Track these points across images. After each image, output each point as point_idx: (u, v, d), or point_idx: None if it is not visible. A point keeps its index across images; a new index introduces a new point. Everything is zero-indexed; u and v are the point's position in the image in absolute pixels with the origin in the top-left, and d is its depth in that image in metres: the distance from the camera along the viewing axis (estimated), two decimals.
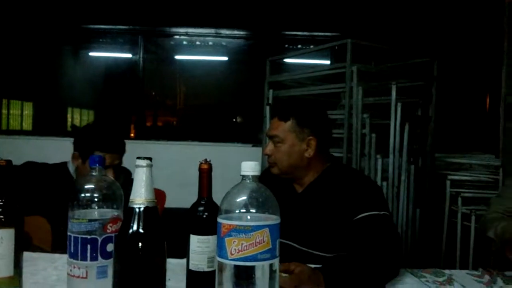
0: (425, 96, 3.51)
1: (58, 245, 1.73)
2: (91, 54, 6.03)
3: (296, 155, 1.57)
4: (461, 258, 3.29)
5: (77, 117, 6.90)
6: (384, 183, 3.07)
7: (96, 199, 1.01)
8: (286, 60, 4.95)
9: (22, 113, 6.31)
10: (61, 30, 5.28)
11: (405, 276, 1.36)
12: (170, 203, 2.50)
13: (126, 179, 1.88)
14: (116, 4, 4.87)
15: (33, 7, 4.86)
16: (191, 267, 1.11)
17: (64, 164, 1.92)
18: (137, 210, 0.86)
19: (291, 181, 1.64)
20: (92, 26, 5.23)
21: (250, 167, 0.91)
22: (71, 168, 1.91)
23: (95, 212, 1.00)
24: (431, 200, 3.40)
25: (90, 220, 0.98)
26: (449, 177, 3.52)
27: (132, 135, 5.49)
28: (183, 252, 1.16)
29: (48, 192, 1.82)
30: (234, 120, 6.18)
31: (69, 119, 6.70)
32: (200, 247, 1.09)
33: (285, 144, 1.57)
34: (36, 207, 1.69)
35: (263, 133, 4.07)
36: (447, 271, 1.38)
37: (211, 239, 1.08)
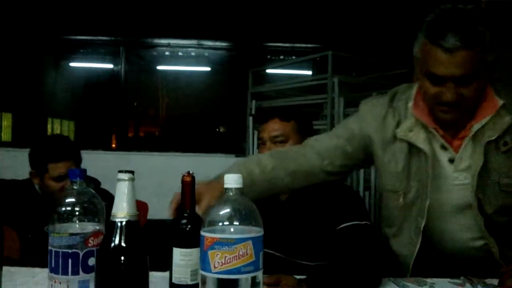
0: None
1: (26, 253, 1.73)
2: (72, 64, 5.99)
3: None
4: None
5: (58, 127, 6.81)
6: (367, 193, 3.10)
7: (77, 213, 0.99)
8: (268, 71, 4.99)
9: (1, 124, 6.22)
10: (42, 40, 5.24)
11: (387, 285, 1.37)
12: (152, 214, 2.49)
13: (95, 190, 1.87)
14: (97, 15, 4.85)
15: (13, 17, 4.81)
16: (174, 281, 1.10)
17: (29, 180, 1.92)
18: (119, 224, 0.86)
19: None
20: (73, 37, 5.20)
21: (233, 180, 0.91)
22: (38, 184, 1.91)
23: (76, 226, 0.99)
24: None
25: (71, 234, 0.97)
26: None
27: (113, 145, 5.45)
28: (165, 265, 1.15)
29: (14, 206, 1.81)
30: (217, 130, 6.19)
31: (49, 130, 6.62)
32: (183, 260, 1.08)
33: (289, 143, 1.58)
34: (2, 220, 1.69)
35: (246, 143, 4.08)
36: (428, 280, 1.40)
37: (195, 252, 1.08)
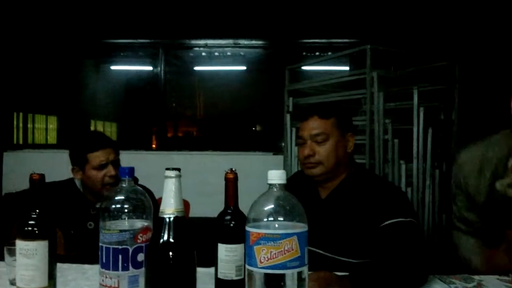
0: (447, 100, 3.47)
1: (70, 248, 1.80)
2: (112, 67, 6.13)
3: (341, 150, 1.59)
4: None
5: (100, 129, 7.01)
6: (409, 189, 3.04)
7: (126, 210, 1.02)
8: (305, 67, 4.96)
9: (47, 127, 6.45)
10: (83, 45, 5.39)
11: (434, 283, 1.34)
12: (193, 212, 2.53)
13: None
14: (136, 18, 4.96)
15: (55, 23, 4.98)
16: (219, 276, 1.12)
17: (71, 180, 1.98)
18: (167, 220, 0.88)
19: (316, 186, 1.64)
20: (113, 41, 5.32)
21: (277, 176, 0.92)
22: (78, 182, 1.97)
23: (126, 223, 1.02)
24: None
25: (121, 231, 1.00)
26: None
27: (153, 146, 5.56)
28: (209, 261, 1.17)
29: (57, 206, 1.87)
30: (254, 129, 6.21)
31: None
32: (228, 255, 1.10)
33: (330, 141, 1.58)
34: (55, 221, 1.76)
35: (283, 141, 4.08)
36: (476, 277, 1.36)
37: (239, 248, 1.10)
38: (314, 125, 1.60)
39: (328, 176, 1.61)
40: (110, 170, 1.85)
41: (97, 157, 1.84)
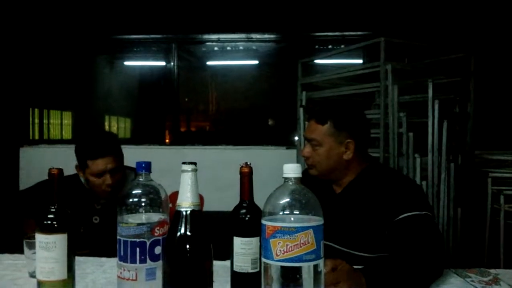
0: (463, 92, 3.43)
1: (78, 246, 1.82)
2: (126, 63, 6.16)
3: (335, 158, 1.57)
4: (505, 257, 3.20)
5: (114, 124, 7.09)
6: (424, 182, 3.01)
7: (143, 204, 1.04)
8: (318, 61, 4.93)
9: (62, 123, 6.53)
10: (96, 41, 5.43)
11: (450, 276, 1.34)
12: (208, 206, 2.55)
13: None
14: (148, 13, 4.97)
15: (68, 19, 5.02)
16: (235, 269, 1.13)
17: (76, 175, 1.97)
18: (184, 213, 0.89)
19: (330, 182, 1.64)
20: (126, 36, 5.35)
21: (292, 169, 0.92)
22: (82, 178, 1.96)
23: (143, 216, 1.03)
24: (473, 198, 3.31)
25: (138, 224, 1.01)
26: (491, 174, 3.42)
27: (167, 140, 5.59)
28: (225, 254, 1.18)
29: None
30: (267, 123, 6.21)
31: (107, 127, 6.89)
32: (243, 249, 1.11)
33: (323, 148, 1.57)
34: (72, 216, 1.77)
35: (296, 135, 4.08)
36: (492, 271, 1.36)
37: (254, 241, 1.10)
38: (311, 129, 1.61)
39: (326, 177, 1.62)
40: (107, 179, 1.83)
41: (96, 165, 1.83)
